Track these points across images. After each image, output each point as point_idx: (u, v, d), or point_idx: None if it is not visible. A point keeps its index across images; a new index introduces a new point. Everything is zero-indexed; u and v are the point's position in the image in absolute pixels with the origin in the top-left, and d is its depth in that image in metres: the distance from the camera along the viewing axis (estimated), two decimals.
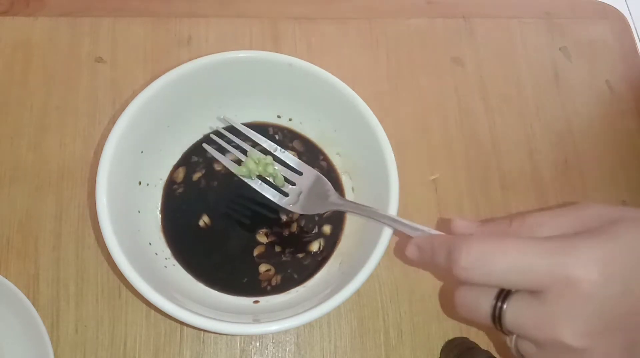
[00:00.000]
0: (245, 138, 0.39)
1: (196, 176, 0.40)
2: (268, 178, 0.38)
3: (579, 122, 0.47)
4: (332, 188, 0.37)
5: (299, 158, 0.41)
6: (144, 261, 0.35)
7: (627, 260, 0.24)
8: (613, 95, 0.48)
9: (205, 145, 0.39)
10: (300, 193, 0.37)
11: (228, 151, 0.39)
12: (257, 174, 0.38)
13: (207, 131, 0.41)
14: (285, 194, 0.38)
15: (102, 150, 0.33)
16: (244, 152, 0.39)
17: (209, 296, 0.36)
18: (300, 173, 0.38)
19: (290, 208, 0.37)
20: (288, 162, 0.38)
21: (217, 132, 0.40)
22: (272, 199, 0.38)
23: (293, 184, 0.38)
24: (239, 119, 0.41)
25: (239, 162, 0.38)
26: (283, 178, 0.38)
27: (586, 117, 0.47)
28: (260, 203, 0.39)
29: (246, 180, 0.38)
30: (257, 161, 0.38)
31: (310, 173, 0.38)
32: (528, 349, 0.26)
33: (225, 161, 0.38)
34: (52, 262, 0.39)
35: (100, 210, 0.32)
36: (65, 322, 0.37)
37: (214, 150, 0.39)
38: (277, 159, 0.38)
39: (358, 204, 0.35)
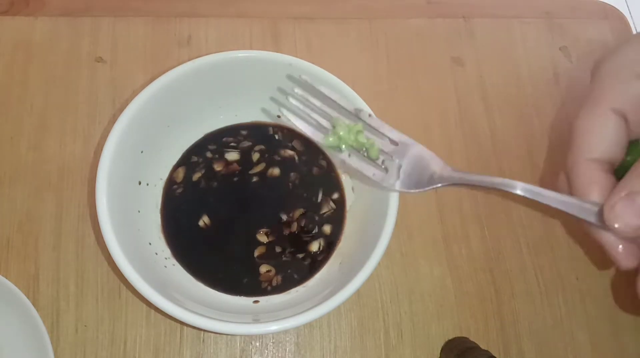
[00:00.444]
0: (322, 101, 0.32)
1: (196, 176, 0.40)
2: (360, 150, 0.32)
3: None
4: (439, 158, 0.31)
5: (299, 157, 0.41)
6: (144, 261, 0.35)
7: None
8: None
9: (282, 110, 0.32)
10: (400, 167, 0.31)
11: (306, 117, 0.32)
12: (350, 144, 0.31)
13: (207, 130, 0.41)
14: (384, 171, 0.31)
15: (102, 150, 0.33)
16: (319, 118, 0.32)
17: (209, 296, 0.36)
18: (395, 143, 0.31)
19: (392, 186, 0.31)
20: (381, 130, 0.32)
21: (292, 94, 0.33)
22: (370, 176, 0.31)
23: (389, 156, 0.31)
24: (239, 119, 0.41)
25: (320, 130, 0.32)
26: (378, 150, 0.31)
27: None
28: (260, 203, 0.39)
29: (335, 152, 0.32)
30: (349, 130, 0.31)
31: (408, 143, 0.31)
32: None
33: (309, 130, 0.32)
34: (52, 262, 0.38)
35: (100, 210, 0.32)
36: (65, 322, 0.37)
37: (296, 117, 0.32)
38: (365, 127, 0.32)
39: (482, 175, 0.28)
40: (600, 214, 0.23)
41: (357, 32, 0.48)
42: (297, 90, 0.32)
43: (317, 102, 0.32)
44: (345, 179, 0.40)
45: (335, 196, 0.40)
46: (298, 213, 0.39)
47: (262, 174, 0.40)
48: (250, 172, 0.40)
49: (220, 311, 0.35)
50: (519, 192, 0.27)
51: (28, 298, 0.35)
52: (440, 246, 0.41)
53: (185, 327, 0.38)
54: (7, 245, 0.39)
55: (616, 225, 0.22)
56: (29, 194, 0.40)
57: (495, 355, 0.34)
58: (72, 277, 0.38)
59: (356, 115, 0.32)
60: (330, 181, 0.40)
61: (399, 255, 0.41)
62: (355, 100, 0.36)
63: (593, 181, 0.25)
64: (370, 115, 0.32)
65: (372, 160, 0.31)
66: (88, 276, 0.38)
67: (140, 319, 0.38)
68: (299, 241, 0.39)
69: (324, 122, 0.32)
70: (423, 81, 0.47)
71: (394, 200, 0.33)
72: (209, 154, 0.40)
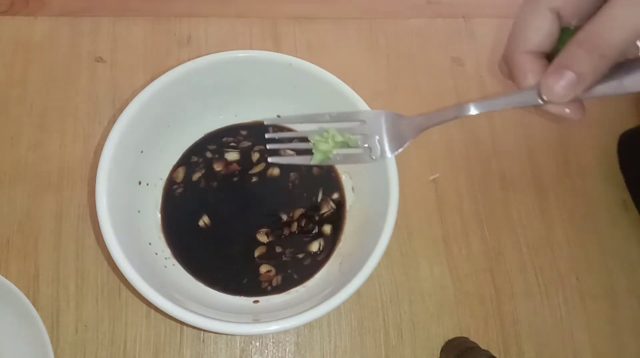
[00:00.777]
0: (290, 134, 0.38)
1: (196, 176, 0.40)
2: (344, 147, 0.35)
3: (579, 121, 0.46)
4: (404, 115, 0.33)
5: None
6: (144, 261, 0.35)
7: None
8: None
9: (270, 159, 0.36)
10: (378, 138, 0.34)
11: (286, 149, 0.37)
12: (333, 150, 0.35)
13: (207, 130, 0.41)
14: (369, 150, 0.34)
15: (102, 150, 0.33)
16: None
17: (209, 296, 0.36)
18: (363, 121, 0.35)
19: (384, 157, 0.34)
20: (348, 118, 0.35)
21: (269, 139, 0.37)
22: (363, 163, 0.34)
23: (367, 137, 0.34)
24: (239, 119, 0.41)
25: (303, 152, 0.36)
26: (357, 139, 0.34)
27: (586, 116, 0.47)
28: (260, 203, 0.39)
29: (326, 164, 0.35)
30: (326, 140, 0.35)
31: (373, 116, 0.34)
32: None
33: (298, 160, 0.36)
34: (52, 262, 0.38)
35: (100, 210, 0.32)
36: (65, 322, 0.37)
37: (282, 157, 0.37)
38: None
39: (441, 111, 0.31)
40: (540, 94, 0.27)
41: (357, 32, 0.48)
42: (268, 135, 0.37)
43: (291, 133, 0.37)
44: (345, 180, 0.40)
45: (335, 196, 0.40)
46: (298, 213, 0.39)
47: (262, 174, 0.40)
48: (250, 172, 0.40)
49: (220, 311, 0.35)
50: (472, 111, 0.29)
51: (28, 298, 0.35)
52: (440, 246, 0.41)
53: (185, 327, 0.38)
54: (7, 245, 0.39)
55: (553, 98, 0.26)
56: (29, 194, 0.40)
57: (495, 355, 0.34)
58: (72, 277, 0.38)
59: (322, 121, 0.35)
60: (330, 181, 0.40)
61: (399, 255, 0.41)
62: (355, 100, 0.36)
63: (528, 69, 0.28)
64: (330, 115, 0.35)
65: (357, 148, 0.34)
66: (88, 276, 0.38)
67: (140, 319, 0.38)
68: (299, 241, 0.39)
69: (305, 146, 0.35)
70: (423, 80, 0.47)
71: (393, 200, 0.33)
72: (209, 154, 0.40)
